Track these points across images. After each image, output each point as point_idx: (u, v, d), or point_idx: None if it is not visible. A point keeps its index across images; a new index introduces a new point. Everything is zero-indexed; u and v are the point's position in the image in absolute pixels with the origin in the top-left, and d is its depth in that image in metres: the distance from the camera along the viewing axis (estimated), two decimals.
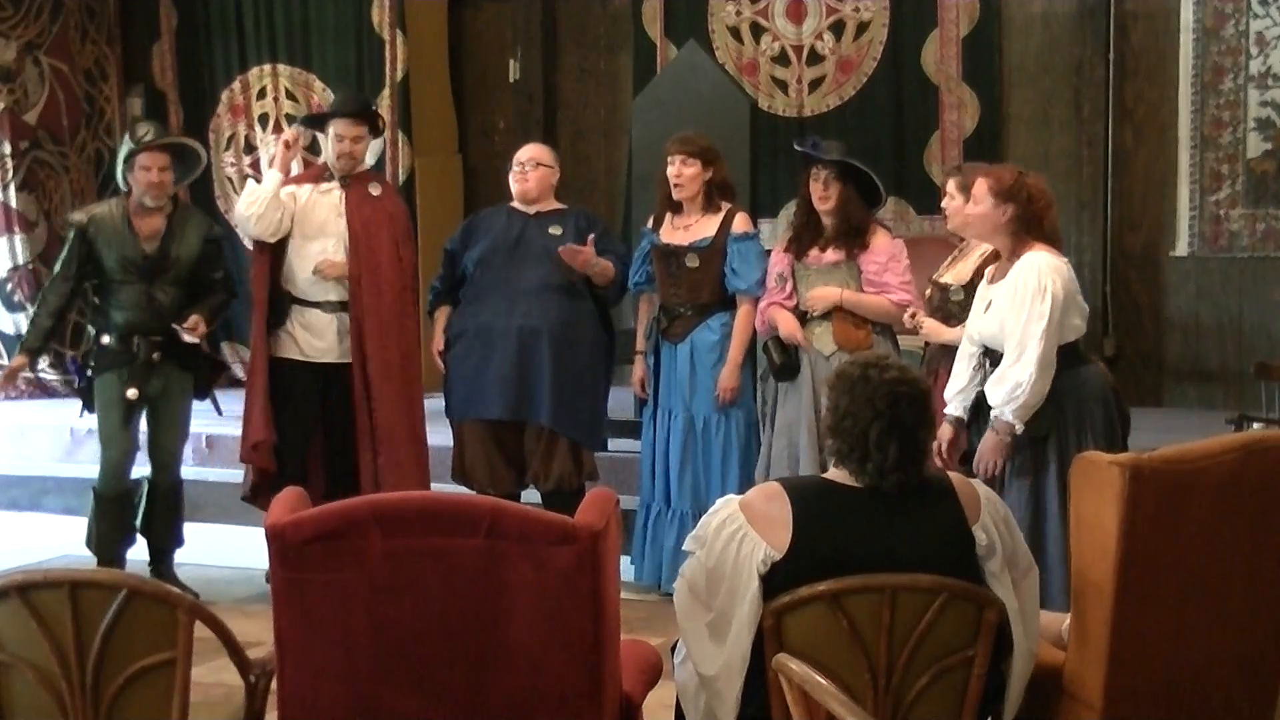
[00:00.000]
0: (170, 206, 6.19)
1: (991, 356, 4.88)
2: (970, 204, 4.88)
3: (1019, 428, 4.69)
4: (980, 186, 4.82)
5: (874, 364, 3.24)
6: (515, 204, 6.46)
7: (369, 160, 6.79)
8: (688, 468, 6.18)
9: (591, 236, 6.21)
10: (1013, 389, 4.66)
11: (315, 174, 6.52)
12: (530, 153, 6.50)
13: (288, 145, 6.36)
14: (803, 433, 5.90)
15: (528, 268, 6.28)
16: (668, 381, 6.25)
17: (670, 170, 6.17)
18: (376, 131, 6.57)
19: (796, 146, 6.18)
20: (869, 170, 5.92)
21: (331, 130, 6.34)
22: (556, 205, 6.52)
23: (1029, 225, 4.76)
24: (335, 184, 6.35)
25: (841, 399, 3.22)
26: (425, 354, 6.72)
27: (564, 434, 6.27)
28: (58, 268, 6.21)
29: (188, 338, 6.10)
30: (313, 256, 6.23)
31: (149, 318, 6.11)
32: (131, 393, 6.09)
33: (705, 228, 6.19)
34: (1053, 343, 4.68)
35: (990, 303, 4.86)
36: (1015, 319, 4.69)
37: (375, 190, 6.48)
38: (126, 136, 6.32)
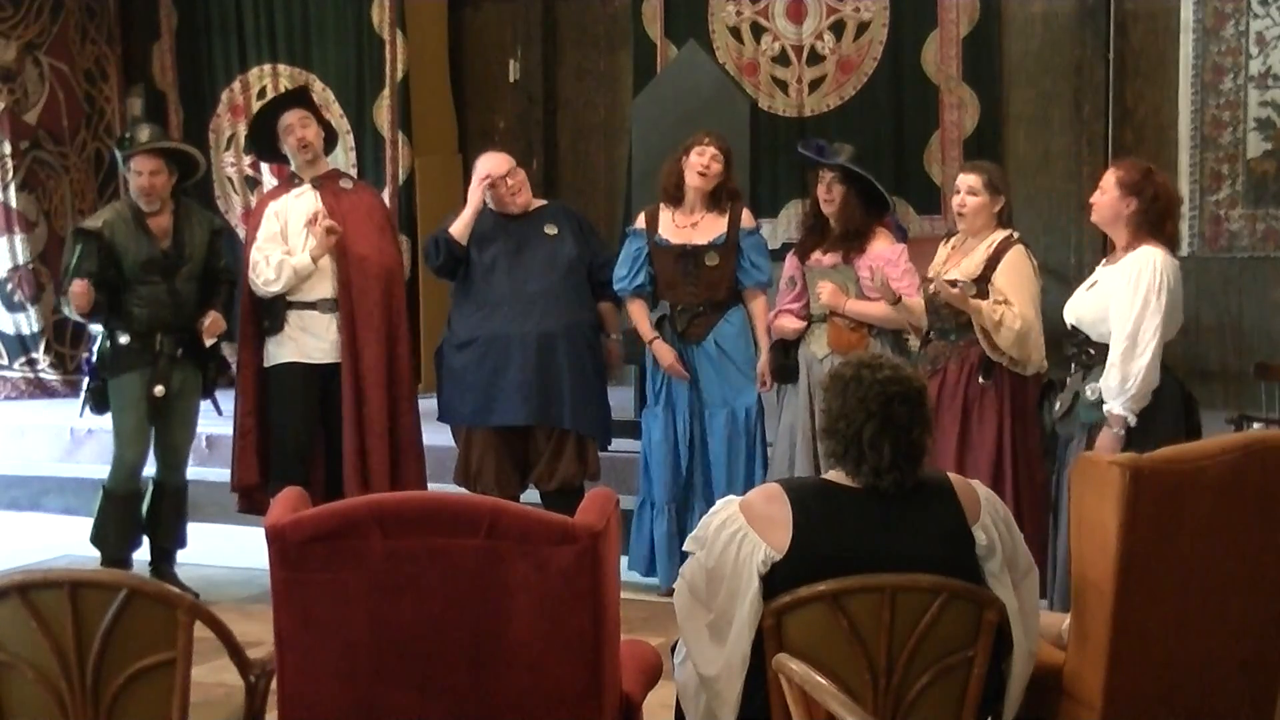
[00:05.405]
0: (173, 204, 6.20)
1: (1074, 335, 4.93)
2: (1097, 192, 4.94)
3: (1132, 420, 4.73)
4: (1109, 177, 4.91)
5: (867, 364, 3.23)
6: (493, 209, 6.38)
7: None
8: (738, 461, 6.15)
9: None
10: (1123, 381, 4.71)
11: (286, 185, 6.52)
12: (503, 165, 6.36)
13: (330, 232, 6.17)
14: (799, 435, 5.90)
15: (533, 273, 6.26)
16: (692, 381, 6.21)
17: (700, 159, 6.12)
18: (318, 112, 6.51)
19: (800, 149, 6.17)
20: (870, 177, 5.90)
21: (280, 129, 6.32)
22: (537, 202, 6.51)
23: (1150, 222, 4.82)
24: (306, 186, 6.35)
25: (835, 400, 3.21)
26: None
27: (586, 434, 6.26)
28: (70, 275, 6.03)
29: (208, 340, 6.16)
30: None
31: (171, 313, 6.13)
32: (159, 390, 6.10)
33: (716, 225, 6.18)
34: (1163, 339, 4.75)
35: (1096, 283, 4.92)
36: (1127, 309, 4.74)
37: (346, 185, 6.50)
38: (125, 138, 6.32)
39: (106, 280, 6.07)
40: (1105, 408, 4.77)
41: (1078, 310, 4.94)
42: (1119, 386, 4.73)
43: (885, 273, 5.71)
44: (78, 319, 6.28)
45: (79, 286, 5.92)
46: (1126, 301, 4.75)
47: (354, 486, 6.12)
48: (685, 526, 6.11)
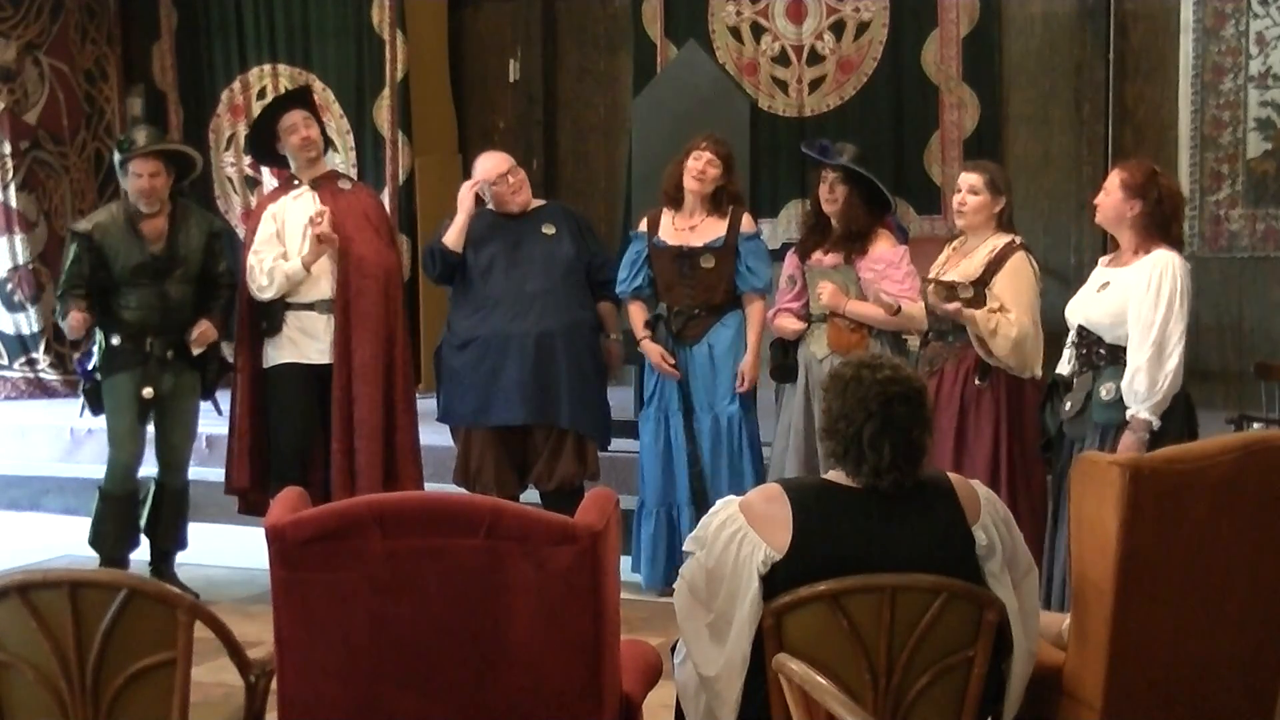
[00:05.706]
0: (170, 206, 6.19)
1: (1083, 336, 4.90)
2: (1101, 193, 4.93)
3: (1156, 424, 4.72)
4: (1113, 178, 4.89)
5: (867, 364, 3.23)
6: (493, 209, 6.39)
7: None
8: (721, 466, 6.14)
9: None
10: (1151, 386, 4.70)
11: (285, 186, 6.51)
12: (503, 165, 6.37)
13: (322, 240, 6.16)
14: (792, 435, 5.90)
15: (531, 273, 6.27)
16: (684, 383, 6.22)
17: (696, 163, 6.13)
18: (317, 114, 6.52)
19: (804, 149, 6.16)
20: (873, 177, 5.89)
21: (282, 129, 6.31)
22: (536, 202, 6.51)
23: (1156, 225, 4.82)
24: (305, 188, 6.34)
25: (835, 401, 3.21)
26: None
27: (584, 433, 6.27)
28: (66, 278, 6.09)
29: (195, 350, 6.15)
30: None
31: (162, 317, 6.12)
32: (148, 391, 6.10)
33: (715, 228, 6.17)
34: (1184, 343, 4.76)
35: (1107, 284, 4.88)
36: (1150, 313, 4.71)
37: (345, 185, 6.49)
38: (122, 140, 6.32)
39: (98, 281, 6.07)
40: (1129, 412, 4.73)
41: (1088, 311, 4.91)
42: (1147, 391, 4.70)
43: (881, 286, 5.72)
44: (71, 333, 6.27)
45: (75, 320, 5.97)
46: (1149, 306, 4.72)
47: (341, 487, 6.10)
48: (677, 528, 6.13)
